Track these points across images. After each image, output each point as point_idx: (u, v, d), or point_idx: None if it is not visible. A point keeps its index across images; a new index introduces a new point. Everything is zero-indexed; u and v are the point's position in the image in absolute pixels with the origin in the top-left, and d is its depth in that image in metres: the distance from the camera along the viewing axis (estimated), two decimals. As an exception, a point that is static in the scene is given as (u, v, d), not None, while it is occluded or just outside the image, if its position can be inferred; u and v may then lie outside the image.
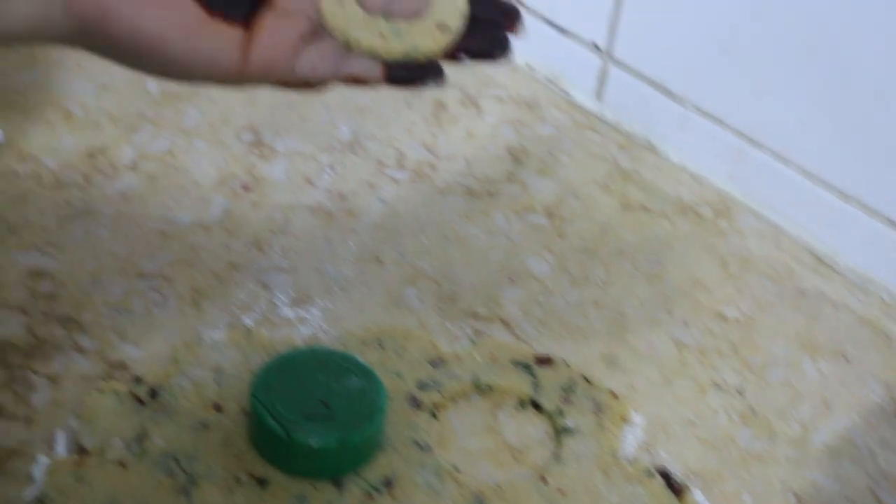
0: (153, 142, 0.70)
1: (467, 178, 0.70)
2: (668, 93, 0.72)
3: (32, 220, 0.63)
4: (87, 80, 0.72)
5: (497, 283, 0.64)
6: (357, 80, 0.49)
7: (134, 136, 0.70)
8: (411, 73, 0.49)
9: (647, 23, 0.71)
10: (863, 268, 0.67)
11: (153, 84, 0.73)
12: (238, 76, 0.47)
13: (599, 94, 0.76)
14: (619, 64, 0.74)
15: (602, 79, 0.75)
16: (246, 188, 0.67)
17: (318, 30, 0.48)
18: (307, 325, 0.60)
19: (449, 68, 0.50)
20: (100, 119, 0.70)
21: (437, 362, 0.59)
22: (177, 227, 0.64)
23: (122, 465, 0.52)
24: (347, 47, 0.48)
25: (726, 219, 0.70)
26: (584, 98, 0.77)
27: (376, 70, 0.49)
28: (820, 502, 0.55)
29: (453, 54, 0.49)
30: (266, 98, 0.73)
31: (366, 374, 0.55)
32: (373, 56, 0.48)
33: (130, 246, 0.63)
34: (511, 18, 0.49)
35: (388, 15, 0.49)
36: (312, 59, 0.48)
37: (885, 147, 0.64)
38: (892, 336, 0.64)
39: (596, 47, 0.74)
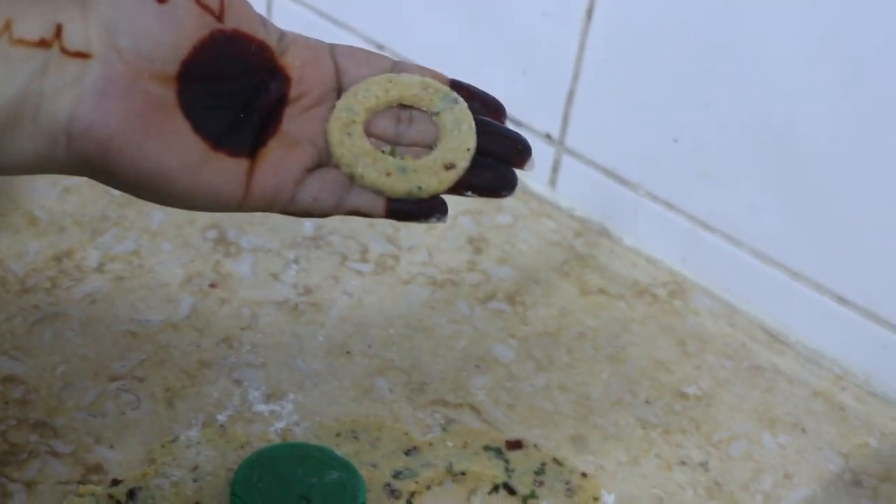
0: (118, 244, 0.71)
1: (430, 269, 0.72)
2: (620, 180, 0.75)
3: (1, 325, 0.64)
4: (51, 184, 0.73)
5: (464, 370, 0.66)
6: (359, 214, 0.48)
7: (99, 238, 0.71)
8: (414, 208, 0.48)
9: (599, 113, 0.74)
10: (814, 343, 0.70)
11: (117, 186, 0.74)
12: (239, 205, 0.47)
13: (554, 183, 0.78)
14: (571, 153, 0.77)
15: (556, 168, 0.78)
16: (213, 286, 0.69)
17: (323, 159, 0.48)
18: (281, 419, 0.61)
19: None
20: (64, 222, 0.71)
21: (411, 451, 0.60)
22: (146, 328, 0.65)
23: (103, 568, 0.53)
24: (352, 180, 0.48)
25: (681, 299, 0.73)
26: (539, 187, 0.79)
27: (379, 205, 0.48)
28: (789, 573, 0.57)
29: (458, 189, 0.48)
30: (229, 196, 0.75)
31: (344, 466, 0.56)
32: (377, 192, 0.48)
33: (100, 348, 0.64)
34: (521, 154, 0.48)
35: (396, 146, 0.48)
36: (315, 191, 0.47)
37: (832, 227, 0.67)
38: (846, 407, 0.67)
39: (549, 137, 0.77)
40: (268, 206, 0.47)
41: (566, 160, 0.77)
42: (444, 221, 0.49)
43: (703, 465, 0.62)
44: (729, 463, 0.63)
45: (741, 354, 0.69)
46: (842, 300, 0.68)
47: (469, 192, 0.48)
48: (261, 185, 0.47)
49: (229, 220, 0.73)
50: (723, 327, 0.71)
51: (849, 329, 0.68)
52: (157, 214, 0.73)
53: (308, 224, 0.74)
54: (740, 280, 0.72)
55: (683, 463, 0.62)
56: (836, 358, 0.69)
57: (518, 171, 0.48)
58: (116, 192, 0.74)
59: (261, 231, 0.73)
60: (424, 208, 0.48)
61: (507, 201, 0.78)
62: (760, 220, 0.70)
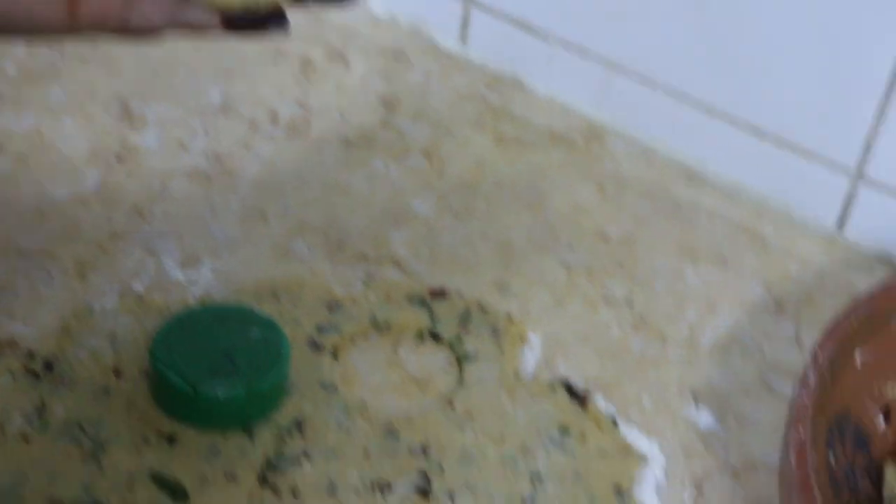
0: (17, 122, 0.68)
1: (343, 129, 0.71)
2: (530, 29, 0.74)
3: None
4: (-59, 67, 0.71)
5: (383, 225, 0.65)
6: (194, 29, 0.48)
7: (-3, 118, 0.68)
8: (252, 21, 0.48)
9: (504, -41, 0.72)
10: (733, 177, 0.70)
11: (10, 64, 0.71)
12: (68, 27, 0.46)
13: (464, 38, 0.77)
14: (480, 6, 0.75)
15: (465, 23, 0.76)
16: (119, 159, 0.67)
17: None
18: (198, 285, 0.60)
19: (312, 25, 0.48)
20: (-41, 105, 0.69)
21: (334, 306, 0.59)
22: (53, 204, 0.63)
23: (24, 439, 0.51)
24: None
25: (598, 144, 0.72)
26: (450, 43, 0.78)
27: (214, 19, 0.47)
28: (715, 396, 0.58)
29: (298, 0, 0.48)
30: (130, 67, 0.72)
31: (265, 324, 0.55)
32: (214, 7, 0.47)
33: (7, 226, 0.62)
34: None
35: None
36: (146, 9, 0.47)
37: (745, 60, 0.66)
38: (766, 238, 0.67)
39: (456, -9, 0.75)
40: (98, 27, 0.46)
41: (475, 14, 0.76)
42: (287, 33, 0.48)
43: (628, 302, 0.62)
44: (653, 298, 0.63)
45: (660, 194, 0.69)
46: (758, 132, 0.68)
47: (310, 1, 0.48)
48: (87, 3, 0.45)
49: (131, 92, 0.71)
50: (641, 169, 0.71)
51: (766, 161, 0.68)
52: (56, 90, 0.70)
53: (214, 91, 0.72)
54: (656, 121, 0.71)
55: (608, 301, 0.62)
56: (755, 190, 0.69)
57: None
58: (11, 70, 0.71)
59: (165, 102, 0.71)
60: (261, 19, 0.48)
61: (417, 59, 0.77)
62: (673, 58, 0.69)
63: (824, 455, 0.47)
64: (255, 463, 0.52)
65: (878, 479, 0.50)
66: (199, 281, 0.60)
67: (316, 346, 0.57)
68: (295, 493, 0.51)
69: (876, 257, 0.67)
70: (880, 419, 0.52)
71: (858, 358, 0.51)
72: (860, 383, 0.51)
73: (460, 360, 0.57)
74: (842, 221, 0.68)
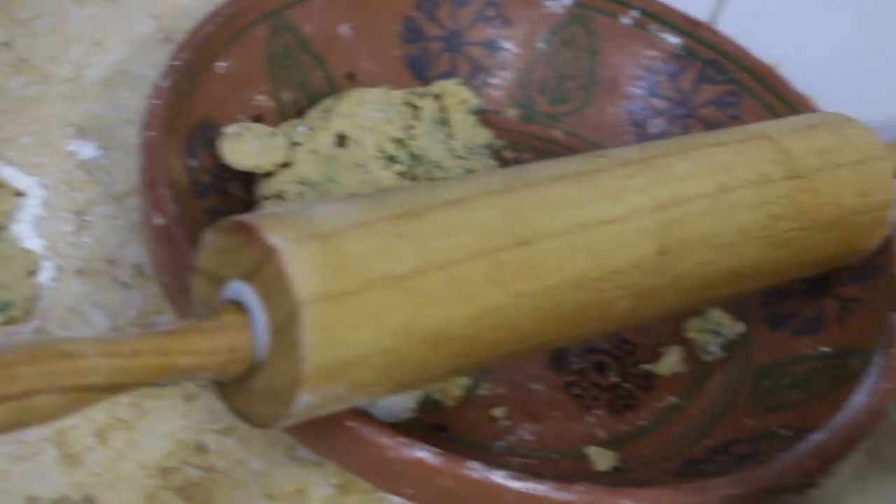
0: None
1: None
2: None
3: None
4: None
5: None
6: None
7: None
8: None
9: None
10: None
11: None
12: None
13: None
14: None
15: None
16: None
17: None
18: None
19: None
20: None
21: None
22: None
23: None
24: None
25: None
26: None
27: None
28: (99, 128, 0.57)
29: None
30: None
31: None
32: None
33: None
34: None
35: None
36: None
37: None
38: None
39: None
40: None
41: None
42: None
43: (7, 45, 0.59)
44: (35, 39, 0.60)
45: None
46: None
47: None
48: None
49: None
50: None
51: None
52: None
53: None
54: None
55: (-14, 46, 0.59)
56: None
57: None
58: None
59: None
60: None
61: None
62: None
63: (182, 159, 0.48)
64: None
65: (248, 182, 0.52)
66: None
67: None
68: None
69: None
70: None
71: (220, 67, 0.51)
72: (224, 92, 0.52)
73: None
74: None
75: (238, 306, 0.35)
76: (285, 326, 0.33)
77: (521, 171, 0.40)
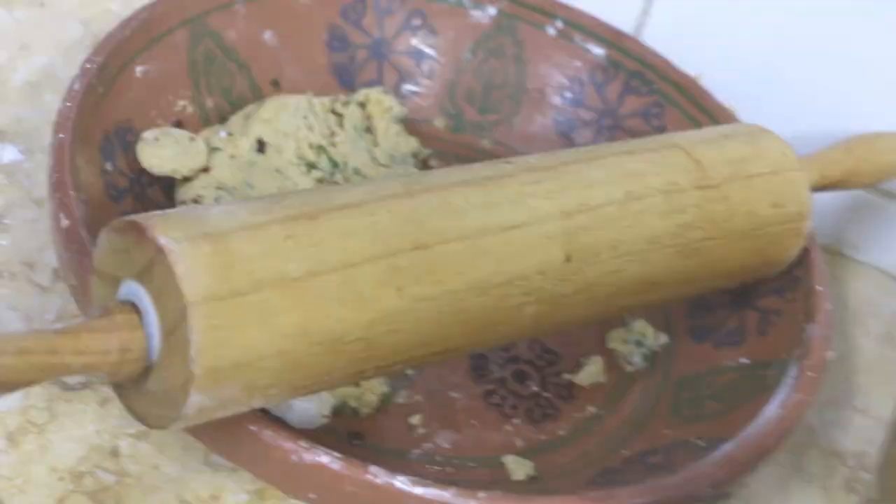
0: None
1: None
2: None
3: None
4: None
5: None
6: None
7: None
8: None
9: None
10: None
11: None
12: None
13: None
14: None
15: None
16: None
17: None
18: None
19: None
20: None
21: None
22: None
23: None
24: None
25: None
26: None
27: None
28: (22, 131, 0.56)
29: None
30: None
31: None
32: None
33: None
34: None
35: None
36: None
37: None
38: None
39: None
40: None
41: None
42: None
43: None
44: (-39, 43, 0.59)
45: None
46: None
47: None
48: None
49: None
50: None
51: None
52: None
53: None
54: None
55: None
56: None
57: None
58: None
59: None
60: None
61: None
62: None
63: (97, 163, 0.47)
64: None
65: (169, 188, 0.52)
66: None
67: None
68: None
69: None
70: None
71: (139, 70, 0.51)
72: (144, 96, 0.51)
73: None
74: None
75: (132, 306, 0.35)
76: (175, 326, 0.33)
77: (423, 177, 0.40)
